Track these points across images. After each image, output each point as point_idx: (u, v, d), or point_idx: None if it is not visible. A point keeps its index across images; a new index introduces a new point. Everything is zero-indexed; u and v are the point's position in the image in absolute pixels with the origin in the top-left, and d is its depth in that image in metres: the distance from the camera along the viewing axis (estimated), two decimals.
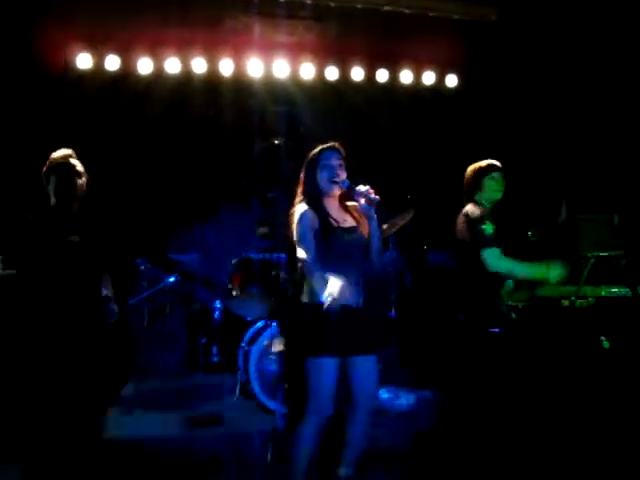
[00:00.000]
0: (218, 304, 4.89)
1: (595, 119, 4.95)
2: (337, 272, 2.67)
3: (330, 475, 2.92)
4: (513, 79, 5.26)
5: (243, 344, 4.56)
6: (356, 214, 2.85)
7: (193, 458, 3.67)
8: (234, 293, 4.80)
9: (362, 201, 2.73)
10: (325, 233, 2.72)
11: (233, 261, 4.99)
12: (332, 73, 5.44)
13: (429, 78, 5.64)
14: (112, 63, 5.03)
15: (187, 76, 5.11)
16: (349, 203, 2.93)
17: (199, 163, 5.66)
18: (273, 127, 5.47)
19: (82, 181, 2.87)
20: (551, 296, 4.26)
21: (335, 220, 2.78)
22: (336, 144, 2.85)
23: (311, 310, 2.68)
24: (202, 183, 5.66)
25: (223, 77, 5.16)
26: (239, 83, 5.25)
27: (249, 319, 4.75)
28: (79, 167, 2.88)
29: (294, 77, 5.35)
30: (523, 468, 3.31)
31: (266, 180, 5.44)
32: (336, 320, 2.57)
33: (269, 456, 3.61)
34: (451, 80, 5.68)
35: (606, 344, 4.42)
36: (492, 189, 3.54)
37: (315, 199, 2.79)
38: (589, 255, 4.23)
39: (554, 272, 3.31)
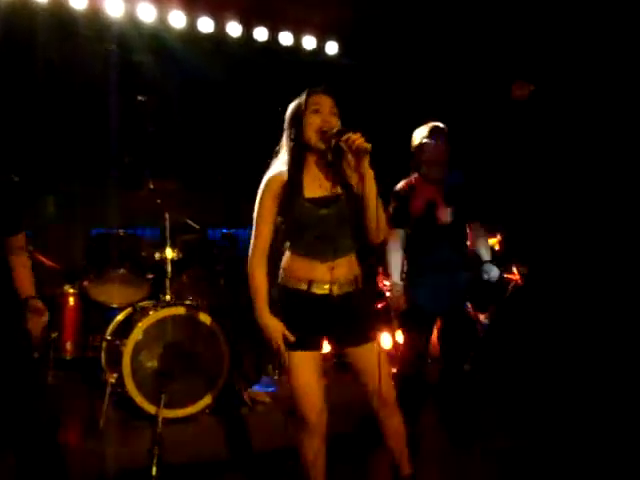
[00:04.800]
0: (71, 289, 4.05)
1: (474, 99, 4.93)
2: (308, 255, 2.24)
3: None
4: (396, 52, 5.08)
5: (108, 336, 3.80)
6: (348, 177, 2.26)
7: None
8: (92, 276, 4.00)
9: (349, 156, 2.16)
10: (290, 206, 2.21)
11: (88, 238, 4.19)
12: (206, 25, 4.77)
13: (309, 43, 5.25)
14: None
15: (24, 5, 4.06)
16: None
17: (39, 119, 4.62)
18: (136, 80, 4.65)
19: None
20: None
21: (310, 189, 2.22)
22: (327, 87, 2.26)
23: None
24: (42, 145, 4.63)
25: (74, 12, 4.20)
26: (94, 23, 4.33)
27: (113, 306, 4.00)
28: None
29: (162, 24, 4.58)
30: None
31: (125, 143, 4.63)
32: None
33: (154, 470, 3.04)
34: (331, 47, 5.36)
35: None
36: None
37: (297, 156, 2.22)
38: None
39: None
